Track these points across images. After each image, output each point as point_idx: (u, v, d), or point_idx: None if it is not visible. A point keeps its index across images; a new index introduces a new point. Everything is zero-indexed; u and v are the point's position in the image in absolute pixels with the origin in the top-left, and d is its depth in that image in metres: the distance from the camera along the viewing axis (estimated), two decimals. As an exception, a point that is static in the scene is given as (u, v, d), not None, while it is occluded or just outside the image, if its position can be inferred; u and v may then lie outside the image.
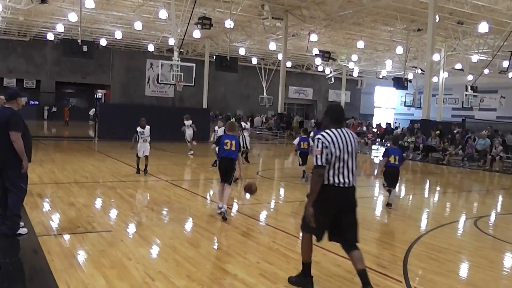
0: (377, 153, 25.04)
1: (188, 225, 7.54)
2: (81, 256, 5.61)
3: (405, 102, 35.30)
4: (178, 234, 6.91)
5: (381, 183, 10.55)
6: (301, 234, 5.02)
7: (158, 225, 7.40)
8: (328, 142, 4.56)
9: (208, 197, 9.96)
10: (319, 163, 4.53)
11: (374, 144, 26.92)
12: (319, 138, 4.59)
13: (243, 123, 15.52)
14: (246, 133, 15.37)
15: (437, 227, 8.05)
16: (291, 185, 12.26)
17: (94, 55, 24.36)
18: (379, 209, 10.07)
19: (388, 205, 9.71)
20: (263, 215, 8.55)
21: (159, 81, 26.09)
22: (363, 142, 26.55)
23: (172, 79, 23.57)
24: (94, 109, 39.74)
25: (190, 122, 17.80)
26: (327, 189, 4.58)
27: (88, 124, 35.76)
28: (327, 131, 4.63)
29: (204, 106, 36.85)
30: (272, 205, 9.79)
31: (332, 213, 4.63)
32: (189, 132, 17.78)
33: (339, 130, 4.66)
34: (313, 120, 34.55)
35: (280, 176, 14.37)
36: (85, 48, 22.61)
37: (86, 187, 10.23)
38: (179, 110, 25.03)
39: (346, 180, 4.62)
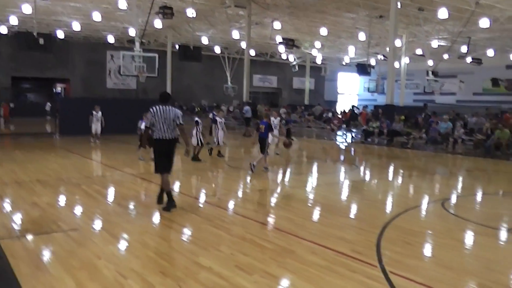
0: (343, 139, 25.34)
1: (159, 219, 7.37)
2: (48, 258, 5.39)
3: (368, 88, 36.04)
4: (149, 229, 6.76)
5: (349, 169, 10.59)
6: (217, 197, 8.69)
7: (127, 221, 7.22)
8: (154, 112, 7.58)
9: (177, 190, 9.77)
10: (146, 125, 7.86)
11: (340, 130, 27.02)
12: (150, 110, 7.63)
13: (218, 118, 14.71)
14: (220, 126, 14.69)
15: (406, 210, 8.17)
16: (259, 174, 12.20)
17: (52, 48, 23.53)
18: (349, 195, 10.17)
19: None
20: (234, 205, 8.48)
21: (121, 73, 25.61)
22: (329, 129, 26.81)
23: (135, 70, 23.15)
24: (49, 104, 38.76)
25: (100, 114, 17.28)
26: (156, 141, 7.63)
27: (46, 120, 34.68)
28: (155, 106, 7.63)
29: None
30: (242, 194, 9.71)
31: (159, 155, 7.74)
32: (95, 127, 17.22)
33: (162, 106, 7.63)
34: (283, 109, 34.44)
35: (248, 166, 14.19)
36: (41, 41, 21.84)
37: (50, 185, 9.90)
38: (143, 102, 24.53)
39: (164, 136, 7.56)
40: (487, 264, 5.60)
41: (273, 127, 15.60)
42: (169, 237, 6.29)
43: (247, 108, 28.52)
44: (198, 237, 6.40)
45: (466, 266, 5.46)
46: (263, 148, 12.33)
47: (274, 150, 16.90)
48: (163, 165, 7.75)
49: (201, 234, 6.50)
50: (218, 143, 14.79)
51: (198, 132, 13.90)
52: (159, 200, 8.04)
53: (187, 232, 6.65)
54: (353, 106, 31.65)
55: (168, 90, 37.31)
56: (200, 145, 13.88)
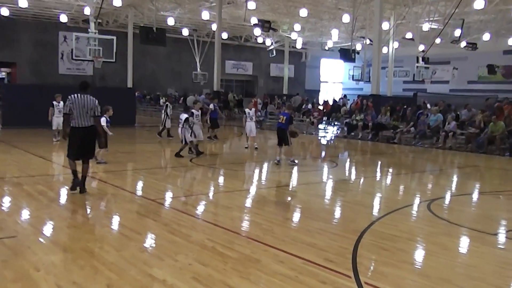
0: (324, 133, 25.47)
1: (110, 225, 7.27)
2: (-23, 269, 5.21)
3: (353, 75, 35.99)
4: (98, 236, 6.65)
5: (329, 166, 10.64)
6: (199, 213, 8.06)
7: (73, 226, 7.09)
8: (72, 100, 8.58)
9: (137, 192, 9.68)
10: (65, 111, 8.74)
11: (321, 123, 27.13)
12: (68, 97, 8.65)
13: (194, 111, 14.72)
14: (196, 120, 14.71)
15: (389, 213, 8.21)
16: (230, 173, 12.16)
17: (-6, 28, 22.96)
18: (326, 196, 10.18)
19: None
20: (196, 209, 8.41)
21: (74, 57, 24.98)
22: (309, 122, 26.85)
23: (89, 55, 22.69)
24: None
25: (61, 104, 17.06)
26: (72, 129, 8.67)
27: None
28: (74, 94, 8.65)
29: (129, 85, 35.66)
30: (207, 197, 9.62)
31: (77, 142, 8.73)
32: (57, 120, 16.90)
33: (81, 94, 8.65)
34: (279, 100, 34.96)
35: (219, 163, 14.20)
36: (-18, 19, 21.27)
37: (-14, 185, 9.62)
38: (100, 90, 24.06)
39: (80, 123, 8.60)
40: (469, 271, 5.68)
41: (248, 118, 16.35)
42: (120, 245, 6.19)
43: (201, 97, 28.31)
44: (153, 244, 6.33)
45: (445, 274, 5.52)
46: (283, 139, 13.21)
47: (243, 144, 17.27)
48: (82, 152, 8.79)
49: (156, 242, 6.43)
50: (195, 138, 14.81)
51: (183, 129, 14.12)
52: (75, 186, 8.87)
53: (140, 239, 6.57)
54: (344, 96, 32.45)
55: (130, 76, 36.56)
56: (184, 142, 14.18)
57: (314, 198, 9.66)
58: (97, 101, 8.82)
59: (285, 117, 13.36)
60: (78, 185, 8.86)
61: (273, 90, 48.01)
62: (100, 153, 12.30)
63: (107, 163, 12.57)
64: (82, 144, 8.79)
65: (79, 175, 8.93)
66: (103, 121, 11.69)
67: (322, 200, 9.65)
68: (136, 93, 35.52)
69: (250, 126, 16.68)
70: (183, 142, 14.15)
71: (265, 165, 13.88)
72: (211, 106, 19.48)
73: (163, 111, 19.79)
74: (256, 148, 16.70)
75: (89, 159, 9.09)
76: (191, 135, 14.15)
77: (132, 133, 22.96)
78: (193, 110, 14.62)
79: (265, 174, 12.59)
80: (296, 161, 13.60)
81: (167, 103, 19.88)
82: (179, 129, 14.26)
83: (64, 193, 9.38)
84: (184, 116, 14.21)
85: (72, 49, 26.41)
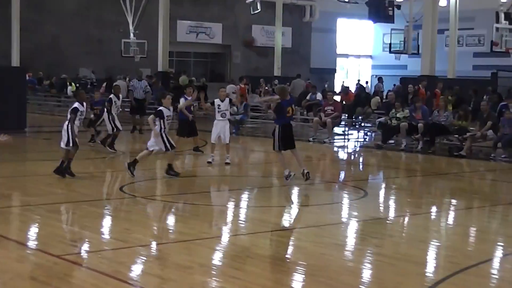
0: (345, 141, 20.95)
1: None
2: None
3: (390, 45, 29.51)
4: None
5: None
6: None
7: None
8: None
9: (29, 243, 7.56)
10: None
11: (338, 124, 20.93)
12: None
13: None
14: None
15: (455, 274, 6.57)
16: (187, 209, 9.84)
17: None
18: (349, 246, 8.18)
19: None
20: (131, 270, 6.48)
21: None
22: (317, 122, 20.33)
23: None
24: None
25: None
26: None
27: None
28: None
29: (15, 62, 26.24)
30: (150, 249, 7.45)
31: None
32: None
33: None
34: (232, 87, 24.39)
35: (166, 192, 11.67)
36: None
37: None
38: None
39: None
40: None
41: (218, 114, 13.48)
42: None
43: (142, 83, 20.92)
44: None
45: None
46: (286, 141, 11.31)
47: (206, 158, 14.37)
48: None
49: None
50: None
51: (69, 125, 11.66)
52: None
53: None
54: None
55: (15, 48, 27.44)
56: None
57: (330, 250, 7.64)
58: None
59: (290, 107, 11.53)
60: None
61: (256, 71, 36.79)
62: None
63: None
64: None
65: None
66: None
67: (343, 253, 7.59)
68: (27, 77, 26.17)
69: (222, 127, 13.35)
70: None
71: (246, 193, 11.44)
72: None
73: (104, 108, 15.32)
74: (228, 163, 13.68)
75: None
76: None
77: (20, 143, 17.67)
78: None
79: (247, 210, 10.20)
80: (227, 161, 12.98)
81: (110, 96, 15.20)
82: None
83: None
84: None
85: None
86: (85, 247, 7.40)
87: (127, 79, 22.06)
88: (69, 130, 11.43)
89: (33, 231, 8.32)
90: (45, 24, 33.28)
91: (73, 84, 28.13)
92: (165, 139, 11.54)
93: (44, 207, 9.56)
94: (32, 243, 7.53)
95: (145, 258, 6.91)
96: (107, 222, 9.04)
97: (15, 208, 10.03)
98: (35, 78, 30.68)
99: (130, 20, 29.79)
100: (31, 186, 11.60)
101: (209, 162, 13.55)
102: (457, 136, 16.97)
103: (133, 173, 11.52)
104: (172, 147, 11.66)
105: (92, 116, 15.67)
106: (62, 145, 11.55)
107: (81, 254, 7.02)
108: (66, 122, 11.56)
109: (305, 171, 11.20)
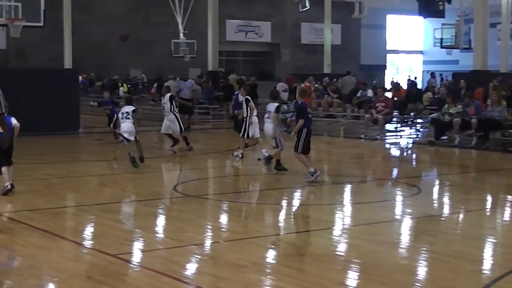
0: (396, 137, 20.51)
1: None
2: None
3: (441, 40, 29.60)
4: None
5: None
6: None
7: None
8: None
9: (85, 242, 7.58)
10: None
11: (390, 121, 20.58)
12: None
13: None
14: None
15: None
16: (235, 207, 9.71)
17: None
18: (403, 243, 7.99)
19: None
20: (186, 269, 6.23)
21: None
22: (368, 118, 20.36)
23: (1, 16, 18.15)
24: None
25: None
26: None
27: None
28: None
29: (67, 64, 27.02)
30: (204, 248, 7.38)
31: None
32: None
33: None
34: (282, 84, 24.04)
35: (214, 192, 11.61)
36: None
37: None
38: (17, 74, 19.10)
39: None
40: None
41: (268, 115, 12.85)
42: None
43: (188, 82, 20.82)
44: None
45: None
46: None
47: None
48: None
49: None
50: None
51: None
52: None
53: None
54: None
55: (67, 51, 27.95)
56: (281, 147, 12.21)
57: (383, 247, 7.47)
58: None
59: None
60: None
61: (305, 68, 35.60)
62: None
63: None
64: None
65: None
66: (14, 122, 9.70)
67: (397, 251, 7.42)
68: (80, 78, 26.12)
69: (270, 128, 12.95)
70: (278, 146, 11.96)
71: (298, 191, 11.28)
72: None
73: (169, 107, 15.12)
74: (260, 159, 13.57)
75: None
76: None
77: (73, 144, 17.90)
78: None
79: (300, 208, 10.13)
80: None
81: (169, 94, 15.23)
82: (268, 126, 12.05)
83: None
84: (272, 106, 12.15)
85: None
86: (139, 246, 7.41)
87: (177, 79, 22.33)
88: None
89: (88, 230, 8.37)
90: (94, 26, 33.46)
91: (124, 84, 28.18)
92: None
93: (98, 207, 9.63)
94: (87, 243, 7.57)
95: (198, 257, 6.90)
96: (160, 221, 9.06)
97: (70, 208, 10.14)
98: (87, 80, 30.65)
99: (179, 20, 30.16)
100: (85, 186, 11.73)
101: (259, 160, 13.40)
102: (511, 131, 16.51)
103: (282, 168, 11.83)
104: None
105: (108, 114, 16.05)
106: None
107: (136, 253, 7.05)
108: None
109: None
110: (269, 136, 12.27)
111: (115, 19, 34.39)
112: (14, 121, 9.49)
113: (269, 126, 12.31)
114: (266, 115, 12.37)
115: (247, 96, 13.55)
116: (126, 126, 13.09)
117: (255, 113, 13.45)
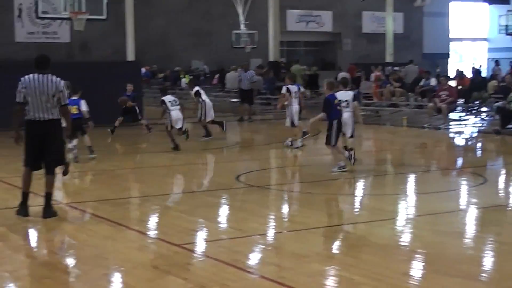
0: (461, 127, 19.87)
1: None
2: None
3: (507, 27, 29.16)
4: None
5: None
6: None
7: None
8: (26, 83, 7.26)
9: (150, 232, 7.57)
10: (18, 99, 7.26)
11: (454, 109, 20.10)
12: (21, 79, 7.32)
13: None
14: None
15: None
16: (304, 198, 9.60)
17: None
18: (468, 234, 7.81)
19: None
20: (249, 259, 6.42)
21: (40, 15, 20.64)
22: (432, 107, 19.88)
23: (65, 9, 18.22)
24: None
25: None
26: (27, 123, 7.33)
27: None
28: (29, 75, 7.34)
29: (130, 57, 27.59)
30: (266, 238, 7.28)
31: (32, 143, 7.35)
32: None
33: (38, 75, 7.33)
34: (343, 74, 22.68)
35: (279, 181, 11.47)
36: None
37: None
38: (82, 67, 19.09)
39: (39, 116, 7.24)
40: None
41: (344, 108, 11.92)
42: None
43: (248, 73, 20.85)
44: None
45: None
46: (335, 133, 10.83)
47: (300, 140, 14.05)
48: (43, 157, 7.47)
49: None
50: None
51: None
52: (23, 210, 7.54)
53: None
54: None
55: (130, 43, 28.46)
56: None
57: (449, 238, 7.23)
58: (63, 83, 7.57)
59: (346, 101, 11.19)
60: (25, 211, 7.50)
61: (367, 57, 35.64)
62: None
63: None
64: (43, 146, 7.51)
65: (42, 194, 7.58)
66: (83, 106, 10.61)
67: (462, 241, 7.24)
68: (143, 70, 26.20)
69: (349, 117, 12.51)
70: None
71: (360, 181, 11.07)
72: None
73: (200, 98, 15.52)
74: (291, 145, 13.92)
75: (54, 167, 7.68)
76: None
77: (136, 136, 17.83)
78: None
79: (362, 198, 9.97)
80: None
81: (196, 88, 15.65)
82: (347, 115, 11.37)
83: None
84: (347, 95, 11.47)
85: (36, 1, 21.15)
86: (203, 236, 7.36)
87: (238, 70, 22.50)
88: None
89: (153, 220, 8.33)
90: (155, 18, 33.33)
91: (186, 76, 27.75)
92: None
93: (162, 197, 9.64)
94: (152, 233, 7.60)
95: (262, 247, 6.85)
96: (223, 211, 9.03)
97: (134, 198, 10.06)
98: (149, 72, 30.49)
99: (240, 11, 29.91)
100: (149, 177, 11.71)
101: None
102: None
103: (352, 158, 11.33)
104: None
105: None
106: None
107: (200, 243, 7.07)
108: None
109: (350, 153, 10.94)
110: (348, 125, 11.48)
111: (175, 11, 34.33)
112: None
113: (347, 115, 11.48)
114: (343, 104, 11.38)
115: (288, 86, 13.76)
116: (176, 114, 13.30)
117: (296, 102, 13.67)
